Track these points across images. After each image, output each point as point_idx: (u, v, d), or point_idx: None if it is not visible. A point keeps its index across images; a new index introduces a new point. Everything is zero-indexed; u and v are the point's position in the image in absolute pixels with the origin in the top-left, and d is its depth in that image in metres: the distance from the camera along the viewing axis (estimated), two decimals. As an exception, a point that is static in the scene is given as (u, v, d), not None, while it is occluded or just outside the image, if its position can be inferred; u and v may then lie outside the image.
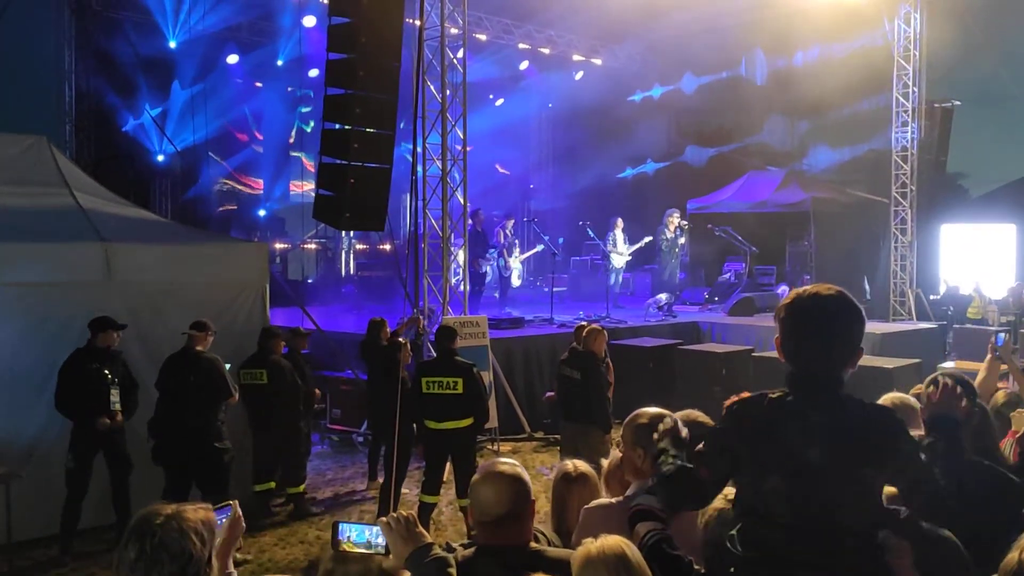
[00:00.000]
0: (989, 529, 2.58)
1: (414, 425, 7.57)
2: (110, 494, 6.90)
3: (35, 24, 14.57)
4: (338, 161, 9.40)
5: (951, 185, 26.03)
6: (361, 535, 2.44)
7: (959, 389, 2.74)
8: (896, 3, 15.18)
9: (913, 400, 3.62)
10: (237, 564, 6.73)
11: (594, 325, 8.20)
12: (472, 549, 2.65)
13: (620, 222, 15.42)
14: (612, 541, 2.38)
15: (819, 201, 17.16)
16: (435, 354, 7.55)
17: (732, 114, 20.59)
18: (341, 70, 9.37)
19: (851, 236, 16.82)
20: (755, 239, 16.08)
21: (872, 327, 12.94)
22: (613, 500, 2.97)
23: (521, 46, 19.21)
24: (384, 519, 2.49)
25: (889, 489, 2.45)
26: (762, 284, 16.59)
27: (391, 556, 2.44)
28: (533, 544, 2.70)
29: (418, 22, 10.54)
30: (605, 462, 3.31)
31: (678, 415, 3.19)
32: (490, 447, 10.25)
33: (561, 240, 19.07)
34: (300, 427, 8.24)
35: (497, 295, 14.92)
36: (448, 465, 7.41)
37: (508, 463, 2.72)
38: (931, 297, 17.15)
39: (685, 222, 16.66)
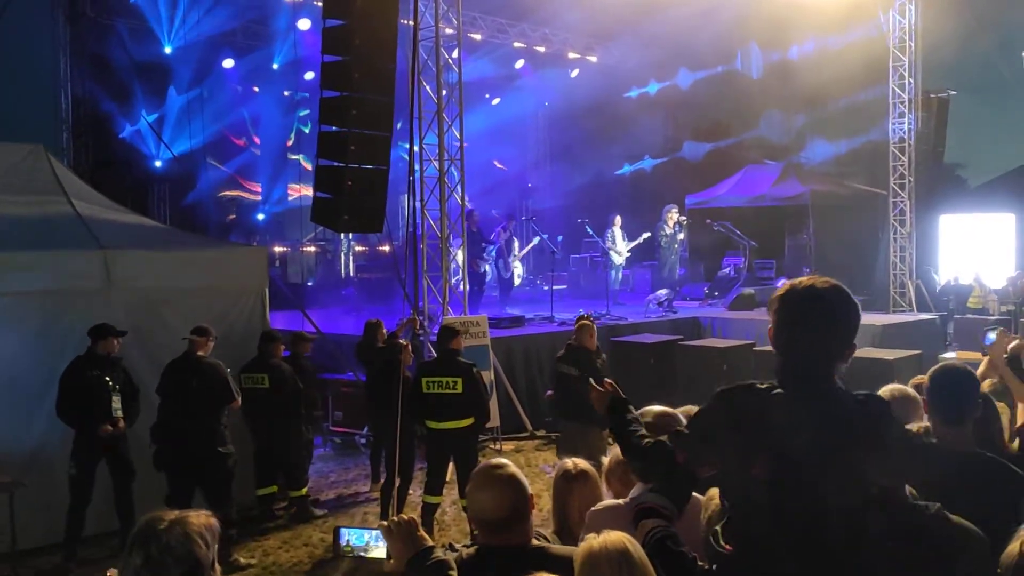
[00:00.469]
0: (991, 520, 2.59)
1: (417, 426, 7.57)
2: (113, 501, 6.90)
3: (30, 32, 14.56)
4: (335, 164, 9.39)
5: (949, 175, 26.03)
6: (362, 539, 2.44)
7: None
8: (891, -6, 15.19)
9: (913, 392, 3.62)
10: (242, 568, 6.78)
11: (583, 320, 8.08)
12: (474, 549, 2.65)
13: (618, 219, 15.42)
14: (615, 537, 2.38)
15: (817, 194, 17.17)
16: (435, 354, 7.56)
17: (728, 109, 20.58)
18: (336, 72, 9.36)
19: (850, 228, 16.84)
20: (754, 233, 16.10)
21: (872, 319, 12.96)
22: (620, 501, 2.97)
23: (516, 45, 19.21)
24: (384, 523, 2.49)
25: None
26: (762, 278, 16.60)
27: (392, 560, 2.44)
28: (535, 542, 2.70)
29: (412, 23, 10.53)
30: (605, 460, 3.32)
31: (679, 411, 3.20)
32: (492, 446, 10.26)
33: (560, 238, 19.08)
34: (302, 431, 8.25)
35: (497, 294, 14.93)
36: (451, 465, 7.42)
37: (503, 463, 2.72)
38: (946, 282, 17.08)
39: (684, 217, 16.67)
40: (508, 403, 10.81)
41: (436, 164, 10.92)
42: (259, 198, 19.33)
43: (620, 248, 15.20)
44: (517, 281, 17.38)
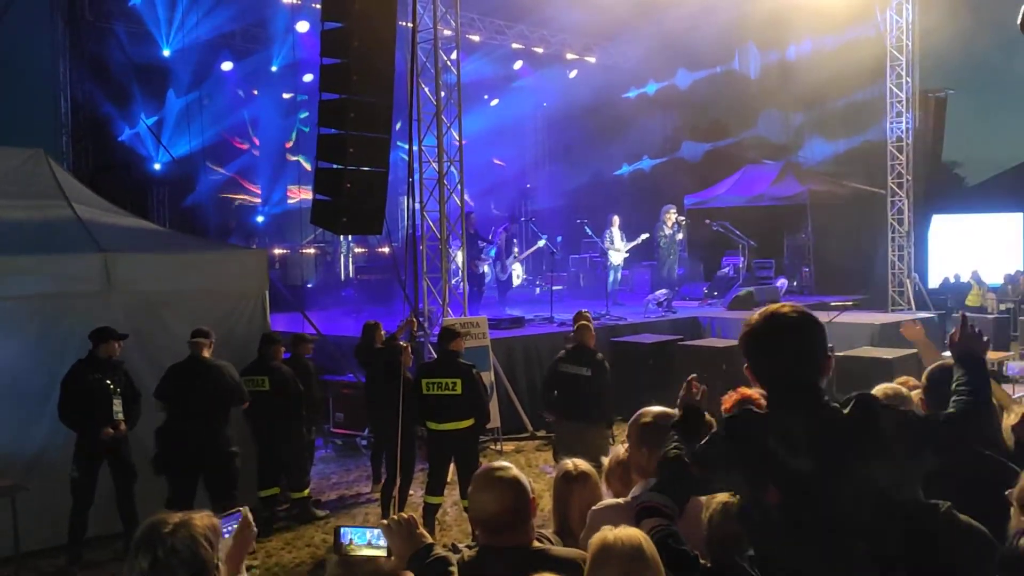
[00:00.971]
0: (990, 517, 2.61)
1: (418, 427, 7.59)
2: (115, 503, 6.92)
3: (29, 36, 14.58)
4: (334, 166, 9.41)
5: (947, 174, 26.08)
6: (363, 538, 2.47)
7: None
8: (887, -6, 15.22)
9: (904, 390, 3.66)
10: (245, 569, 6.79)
11: (582, 321, 8.06)
12: (476, 550, 2.67)
13: (617, 219, 15.45)
14: (632, 532, 2.40)
15: (816, 193, 17.20)
16: (436, 355, 7.58)
17: (727, 108, 20.63)
18: (335, 75, 9.38)
19: (848, 228, 16.87)
20: (753, 233, 16.13)
21: (871, 317, 12.98)
22: (620, 500, 2.99)
23: (514, 46, 19.24)
24: (385, 521, 2.52)
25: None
26: (761, 277, 16.62)
27: (393, 558, 2.46)
28: (536, 543, 2.72)
29: (411, 25, 10.56)
30: (606, 460, 3.34)
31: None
32: (493, 447, 10.28)
33: (559, 238, 19.10)
34: (303, 432, 8.27)
35: (496, 295, 14.96)
36: (452, 466, 7.45)
37: (504, 465, 2.74)
38: (944, 280, 17.05)
39: (682, 218, 16.70)
40: (508, 404, 10.83)
41: (435, 165, 10.95)
42: (259, 200, 19.35)
43: (619, 248, 15.23)
44: (517, 282, 17.41)
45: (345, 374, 10.57)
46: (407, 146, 10.78)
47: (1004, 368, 7.53)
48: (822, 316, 2.62)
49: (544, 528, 3.07)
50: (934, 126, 18.41)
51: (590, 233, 15.94)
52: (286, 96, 18.86)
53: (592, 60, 20.85)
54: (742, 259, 16.15)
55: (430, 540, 2.50)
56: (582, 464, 3.30)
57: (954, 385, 2.53)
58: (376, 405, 8.29)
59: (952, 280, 18.96)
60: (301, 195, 18.66)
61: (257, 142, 19.20)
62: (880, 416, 2.38)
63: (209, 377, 7.00)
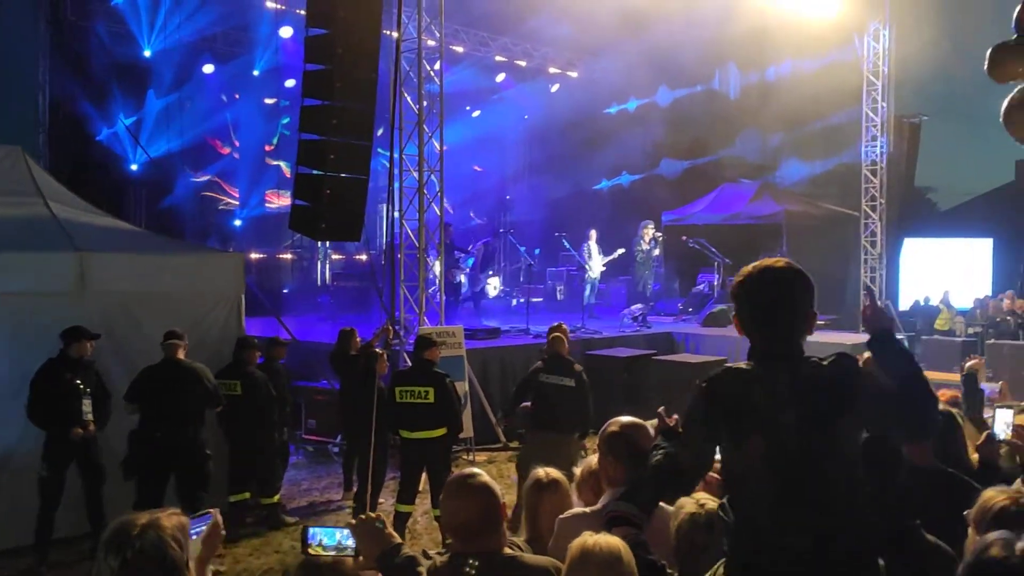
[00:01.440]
0: (951, 532, 2.67)
1: (391, 435, 7.58)
2: (84, 503, 6.86)
3: (9, 34, 14.44)
4: (315, 172, 9.42)
5: (920, 198, 26.50)
6: (331, 538, 2.48)
7: None
8: (865, 20, 15.48)
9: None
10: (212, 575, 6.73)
11: (556, 332, 7.94)
12: (447, 556, 2.70)
13: (594, 233, 15.54)
14: (611, 539, 2.44)
15: (791, 214, 17.40)
16: (411, 363, 7.58)
17: (706, 127, 20.83)
18: (318, 81, 9.41)
19: (822, 248, 17.05)
20: (729, 251, 16.27)
21: (843, 338, 13.14)
22: (587, 510, 3.03)
23: (498, 58, 19.33)
24: (353, 521, 2.53)
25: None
26: (735, 295, 16.76)
27: (361, 558, 2.48)
28: (507, 550, 2.75)
29: (395, 34, 10.61)
30: (577, 470, 3.37)
31: (649, 423, 3.27)
32: (465, 456, 10.28)
33: (537, 251, 19.17)
34: (275, 438, 8.24)
35: (472, 305, 14.99)
36: (424, 475, 7.44)
37: (475, 472, 2.77)
38: (914, 303, 17.31)
39: (659, 234, 16.82)
40: (482, 414, 10.84)
41: (416, 174, 10.97)
42: (237, 203, 19.26)
43: (596, 262, 15.32)
44: (494, 293, 17.46)
45: (319, 380, 10.54)
46: (389, 153, 10.81)
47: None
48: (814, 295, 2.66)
49: (515, 537, 3.10)
50: (908, 151, 18.73)
51: (568, 246, 16.01)
52: (269, 101, 18.80)
53: (574, 75, 20.99)
54: (717, 276, 16.28)
55: (399, 540, 2.52)
56: (553, 472, 3.34)
57: (884, 360, 2.52)
58: (350, 412, 8.28)
59: (922, 303, 19.22)
60: (280, 200, 18.59)
61: (237, 144, 19.12)
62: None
63: (185, 380, 6.97)
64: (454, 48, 17.39)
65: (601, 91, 20.94)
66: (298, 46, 11.18)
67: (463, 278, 14.53)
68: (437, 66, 11.26)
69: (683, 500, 2.83)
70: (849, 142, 16.81)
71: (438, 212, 11.27)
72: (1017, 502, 2.48)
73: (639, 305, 14.82)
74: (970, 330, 17.28)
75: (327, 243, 17.11)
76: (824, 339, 12.61)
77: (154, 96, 16.81)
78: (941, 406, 3.80)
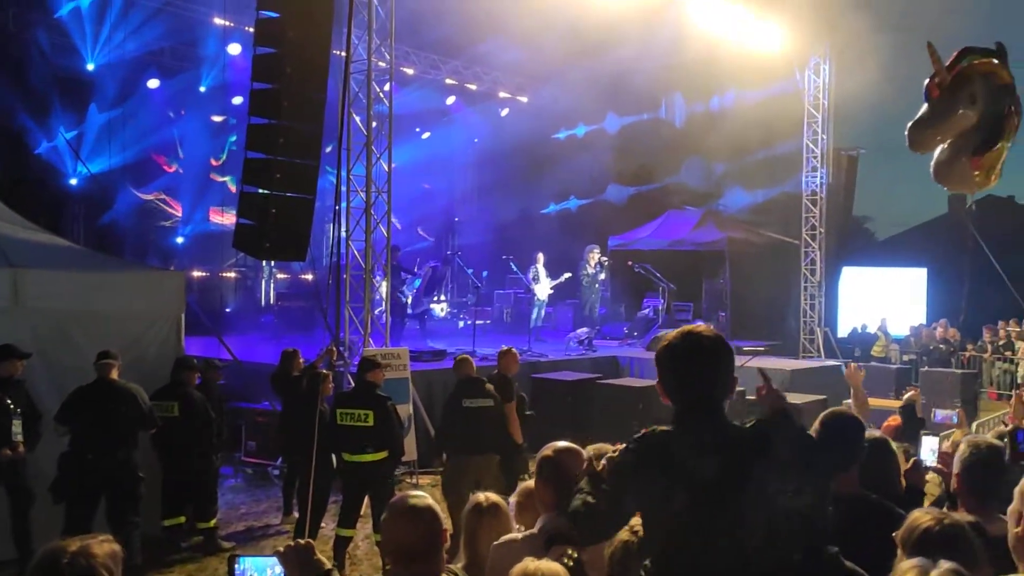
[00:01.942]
0: (874, 559, 2.74)
1: (333, 457, 7.49)
2: (10, 527, 6.63)
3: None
4: (260, 191, 9.33)
5: (858, 228, 27.25)
6: (260, 568, 2.44)
7: None
8: (806, 55, 15.93)
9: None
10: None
11: (465, 356, 8.18)
12: (386, 580, 2.68)
13: (541, 257, 15.64)
14: (553, 565, 2.45)
15: (734, 241, 17.74)
16: (354, 385, 7.53)
17: (652, 154, 21.16)
18: (265, 100, 9.34)
19: (764, 275, 17.41)
20: (673, 276, 16.50)
21: (783, 363, 13.41)
22: (519, 535, 3.04)
23: (448, 81, 19.43)
24: (280, 548, 2.50)
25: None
26: (679, 320, 16.96)
27: None
28: None
29: (344, 54, 10.59)
30: (513, 498, 3.38)
31: (590, 448, 3.29)
32: (409, 480, 10.19)
33: (485, 273, 19.20)
34: (212, 460, 8.08)
35: (418, 327, 14.93)
36: (367, 498, 7.37)
37: (418, 496, 2.76)
38: (852, 330, 17.80)
39: (605, 258, 17.00)
40: (427, 437, 10.74)
41: (363, 195, 10.93)
42: (179, 214, 18.94)
43: (543, 285, 15.40)
44: (441, 314, 17.44)
45: (260, 402, 10.38)
46: (336, 171, 10.75)
47: (932, 415, 8.03)
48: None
49: (453, 564, 3.09)
50: (846, 182, 19.23)
51: (515, 269, 16.08)
52: (217, 119, 18.58)
53: (524, 100, 21.18)
54: (662, 301, 16.50)
55: (328, 566, 2.50)
56: (493, 496, 3.34)
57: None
58: (291, 434, 8.16)
59: (860, 330, 19.73)
60: (224, 218, 18.33)
61: (181, 156, 18.82)
62: (778, 432, 2.51)
63: (119, 401, 6.80)
64: (404, 70, 17.44)
65: (550, 116, 21.16)
66: (246, 63, 11.07)
67: (409, 299, 14.49)
68: (387, 87, 11.26)
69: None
70: (791, 172, 17.22)
71: (385, 233, 11.24)
72: (941, 523, 2.55)
73: (585, 329, 14.93)
74: (905, 357, 17.79)
75: (272, 262, 16.90)
76: (764, 365, 12.85)
77: (96, 110, 16.50)
78: (877, 433, 3.91)
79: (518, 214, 20.76)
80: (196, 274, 17.43)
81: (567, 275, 15.77)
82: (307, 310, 15.38)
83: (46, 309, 7.34)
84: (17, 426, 6.59)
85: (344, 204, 10.76)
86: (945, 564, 2.08)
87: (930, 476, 4.03)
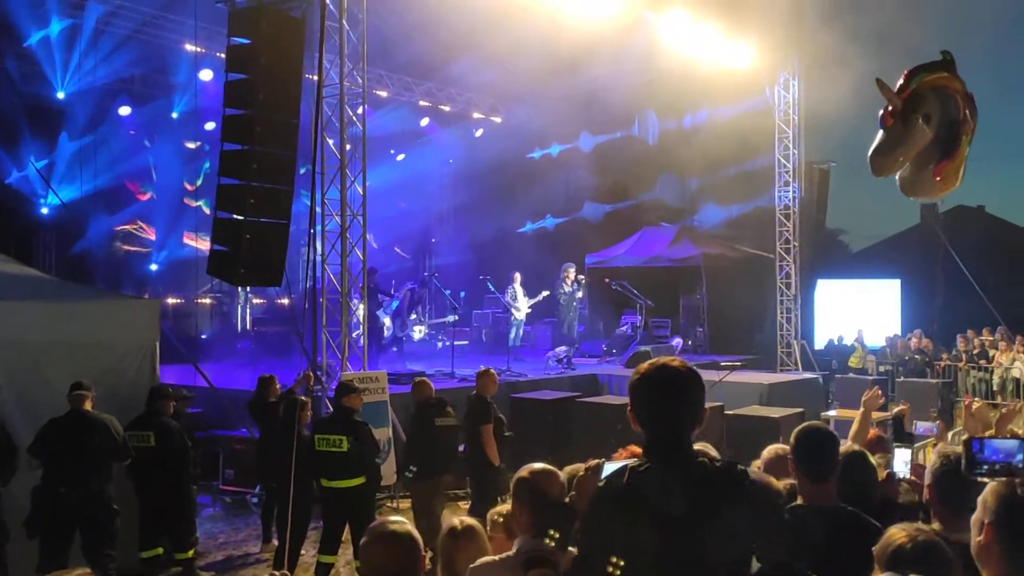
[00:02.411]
0: (852, 570, 2.76)
1: (314, 484, 7.44)
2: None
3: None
4: (234, 216, 9.31)
5: (832, 241, 27.54)
6: None
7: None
8: (776, 71, 16.14)
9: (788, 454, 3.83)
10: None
11: (422, 378, 8.47)
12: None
13: (518, 276, 15.67)
14: None
15: (710, 256, 17.87)
16: (332, 410, 7.50)
17: (627, 172, 21.34)
18: (238, 125, 9.34)
19: (740, 290, 17.54)
20: (650, 293, 16.58)
21: (760, 377, 13.48)
22: (497, 558, 3.04)
23: (422, 103, 19.49)
24: None
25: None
26: (657, 336, 17.07)
27: None
28: (423, 602, 2.73)
29: (316, 78, 10.59)
30: (489, 520, 3.37)
31: (567, 469, 3.29)
32: (390, 504, 10.12)
33: (463, 294, 19.20)
34: (190, 490, 7.98)
35: (396, 349, 14.89)
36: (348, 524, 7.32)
37: (397, 521, 2.76)
38: (828, 342, 17.93)
39: (581, 276, 17.06)
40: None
41: (338, 219, 10.91)
42: (152, 248, 18.80)
43: (520, 305, 15.42)
44: (418, 336, 17.38)
45: (237, 429, 10.28)
46: (311, 194, 10.73)
47: (914, 427, 8.16)
48: (713, 375, 2.79)
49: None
50: (818, 196, 19.44)
51: (493, 289, 16.09)
52: (191, 145, 18.51)
53: (498, 120, 21.29)
54: (640, 318, 16.56)
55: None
56: (468, 520, 3.34)
57: None
58: (269, 461, 8.09)
59: (836, 342, 19.89)
60: (198, 243, 18.23)
61: (153, 183, 18.71)
62: (746, 477, 2.53)
63: (92, 432, 6.71)
64: (378, 92, 17.49)
65: (524, 136, 21.29)
66: (218, 89, 11.06)
67: (387, 321, 14.45)
68: (360, 110, 11.28)
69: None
70: (764, 187, 17.38)
71: (361, 256, 11.21)
72: (914, 540, 2.58)
73: (564, 347, 14.95)
74: (881, 368, 17.94)
75: (247, 287, 16.81)
76: (741, 379, 12.92)
77: (67, 138, 16.40)
78: (854, 447, 3.94)
79: (495, 234, 20.82)
80: (171, 301, 17.30)
81: (545, 293, 15.80)
82: (284, 335, 15.28)
83: (17, 341, 7.24)
84: (-9, 461, 6.47)
85: (319, 227, 10.73)
86: None
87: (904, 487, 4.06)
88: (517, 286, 15.49)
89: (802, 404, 11.19)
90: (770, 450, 3.98)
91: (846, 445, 3.76)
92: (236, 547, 8.85)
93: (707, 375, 2.78)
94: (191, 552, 7.86)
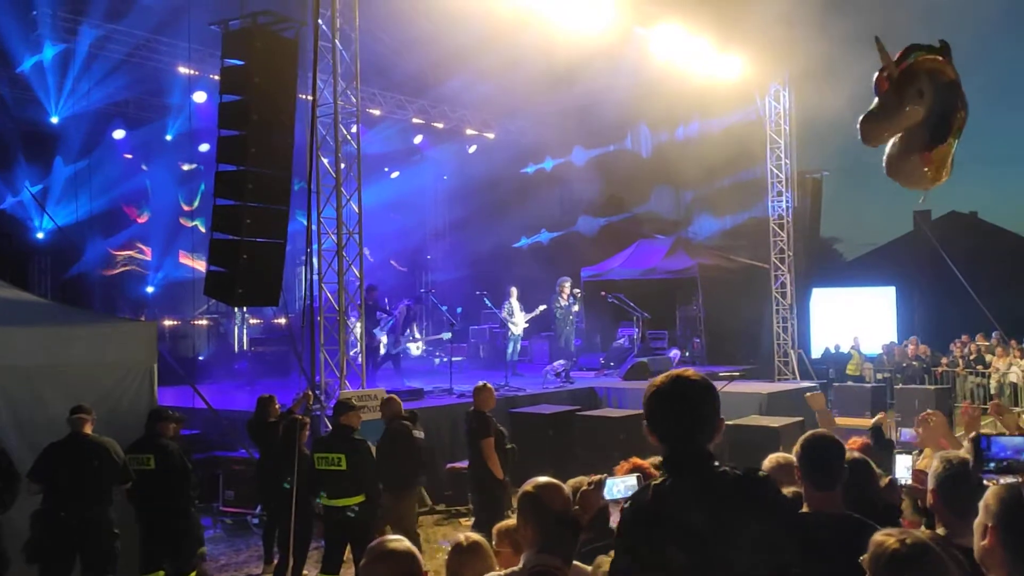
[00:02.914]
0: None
1: (315, 503, 7.44)
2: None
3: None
4: (230, 237, 9.31)
5: (826, 250, 27.62)
6: None
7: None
8: (767, 82, 16.23)
9: (793, 460, 3.84)
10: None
11: (392, 397, 8.47)
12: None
13: (515, 291, 15.69)
14: None
15: (705, 267, 17.90)
16: (331, 429, 7.52)
17: (621, 185, 21.42)
18: (233, 147, 9.36)
19: (736, 300, 17.56)
20: (646, 305, 16.60)
21: (758, 387, 13.49)
22: (503, 573, 3.03)
23: (415, 121, 19.56)
24: None
25: None
26: (655, 348, 17.08)
27: None
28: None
29: (310, 98, 10.64)
30: (494, 534, 3.37)
31: (570, 483, 3.29)
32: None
33: (459, 310, 19.20)
34: (190, 512, 7.94)
35: (392, 365, 14.87)
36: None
37: (396, 538, 2.76)
38: (825, 350, 17.95)
39: (577, 290, 17.08)
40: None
41: (334, 237, 10.92)
42: (149, 258, 18.80)
43: (518, 319, 15.43)
44: (416, 352, 17.38)
45: (237, 450, 10.25)
46: (307, 213, 10.74)
47: (898, 435, 8.19)
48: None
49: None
50: (812, 205, 19.50)
51: (489, 304, 16.10)
52: (188, 167, 18.54)
53: (491, 136, 21.37)
54: (637, 330, 16.57)
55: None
56: (474, 536, 3.34)
57: None
58: (270, 481, 8.07)
59: (833, 350, 19.92)
60: (195, 264, 18.23)
61: (148, 206, 18.73)
62: (766, 484, 2.53)
63: (93, 456, 6.69)
64: (371, 111, 17.55)
65: (518, 151, 21.37)
66: (212, 110, 11.10)
67: (384, 339, 14.45)
68: (354, 129, 11.31)
69: (601, 559, 2.86)
70: (757, 197, 17.44)
71: (358, 274, 11.22)
72: (904, 543, 2.57)
73: (562, 361, 14.95)
74: (879, 375, 17.96)
75: (244, 308, 16.80)
76: (740, 389, 12.93)
77: (62, 163, 16.43)
78: (855, 454, 3.95)
79: (490, 249, 20.86)
80: (168, 323, 17.27)
81: (542, 307, 15.81)
82: (282, 355, 15.27)
83: (14, 367, 7.24)
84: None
85: (316, 247, 10.74)
86: None
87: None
88: (514, 301, 15.50)
89: (801, 413, 11.18)
90: (772, 459, 3.99)
91: (848, 453, 3.77)
92: (237, 568, 8.81)
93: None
94: (193, 574, 7.82)
